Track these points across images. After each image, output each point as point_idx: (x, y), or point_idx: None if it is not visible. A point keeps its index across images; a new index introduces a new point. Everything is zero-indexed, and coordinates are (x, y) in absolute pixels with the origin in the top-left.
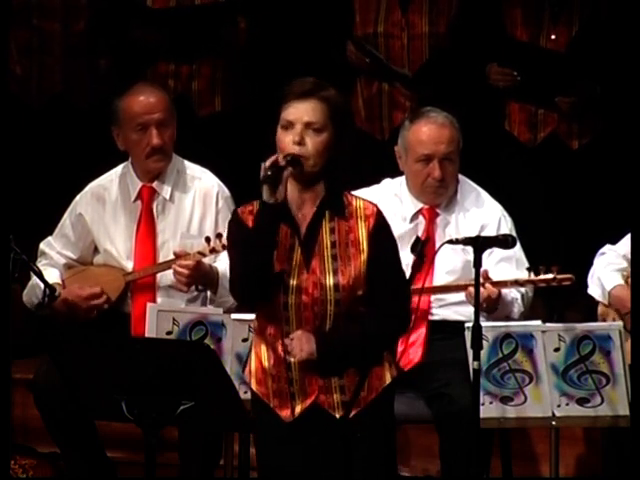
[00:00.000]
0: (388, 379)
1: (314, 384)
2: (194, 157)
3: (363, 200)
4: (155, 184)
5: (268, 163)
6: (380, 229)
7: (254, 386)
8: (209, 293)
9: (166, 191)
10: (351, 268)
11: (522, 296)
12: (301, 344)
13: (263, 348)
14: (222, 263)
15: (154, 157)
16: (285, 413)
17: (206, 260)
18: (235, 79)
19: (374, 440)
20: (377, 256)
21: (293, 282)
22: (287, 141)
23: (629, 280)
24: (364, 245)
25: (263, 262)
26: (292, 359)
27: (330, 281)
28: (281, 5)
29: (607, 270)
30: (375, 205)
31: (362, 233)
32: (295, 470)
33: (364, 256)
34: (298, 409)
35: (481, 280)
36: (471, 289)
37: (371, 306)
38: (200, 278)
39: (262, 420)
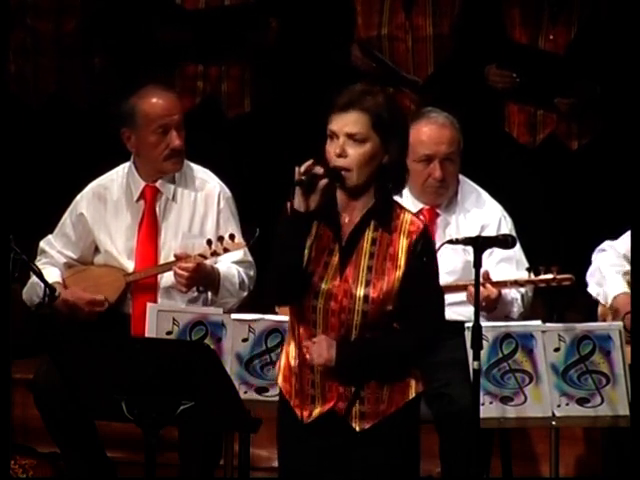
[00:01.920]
0: (412, 395)
1: (334, 390)
2: (221, 158)
3: (412, 215)
4: (158, 184)
5: (303, 168)
6: (420, 247)
7: (280, 382)
8: (210, 294)
9: (169, 191)
10: (384, 282)
11: (522, 296)
12: (320, 350)
13: (292, 346)
14: (223, 264)
15: (173, 159)
16: (303, 414)
17: (207, 261)
18: (263, 80)
19: (389, 454)
20: (413, 273)
21: (324, 287)
22: (331, 152)
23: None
24: (401, 261)
25: (290, 265)
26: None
27: (360, 292)
28: (295, 6)
29: (612, 271)
30: (422, 222)
31: (402, 249)
32: (310, 470)
33: (399, 272)
34: (316, 412)
35: (481, 280)
36: (472, 289)
37: (402, 321)
38: (201, 280)
39: (283, 417)
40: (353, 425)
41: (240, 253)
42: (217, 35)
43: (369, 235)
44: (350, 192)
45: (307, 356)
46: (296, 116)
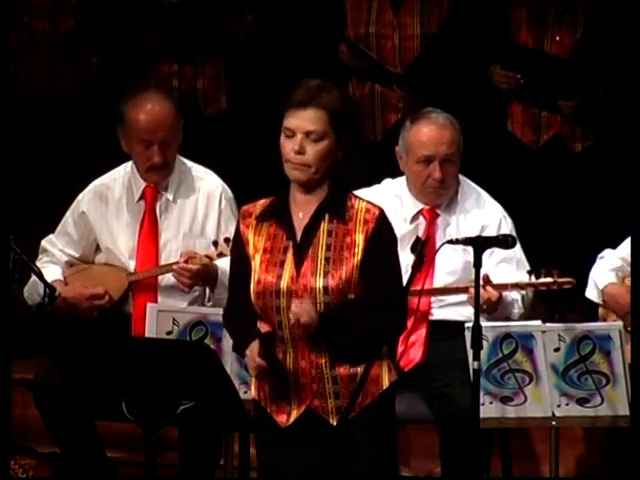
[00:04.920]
0: (386, 384)
1: (308, 390)
2: (201, 156)
3: (367, 203)
4: (158, 185)
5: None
6: (379, 233)
7: (253, 392)
8: (207, 292)
9: (169, 192)
10: (342, 271)
11: (522, 297)
12: (307, 309)
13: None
14: (221, 263)
15: (154, 172)
16: (281, 418)
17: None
18: (239, 76)
19: (370, 444)
20: (373, 260)
21: (283, 285)
22: (288, 148)
23: (626, 280)
24: (359, 249)
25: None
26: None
27: (320, 284)
28: (278, 3)
29: (602, 270)
30: (378, 208)
31: (359, 237)
32: (293, 473)
33: (357, 259)
34: (294, 414)
35: (482, 283)
36: (472, 291)
37: (368, 307)
38: (203, 279)
39: (261, 423)
40: (330, 421)
41: None
42: (193, 28)
43: (324, 227)
44: (306, 188)
45: (291, 317)
46: (273, 112)
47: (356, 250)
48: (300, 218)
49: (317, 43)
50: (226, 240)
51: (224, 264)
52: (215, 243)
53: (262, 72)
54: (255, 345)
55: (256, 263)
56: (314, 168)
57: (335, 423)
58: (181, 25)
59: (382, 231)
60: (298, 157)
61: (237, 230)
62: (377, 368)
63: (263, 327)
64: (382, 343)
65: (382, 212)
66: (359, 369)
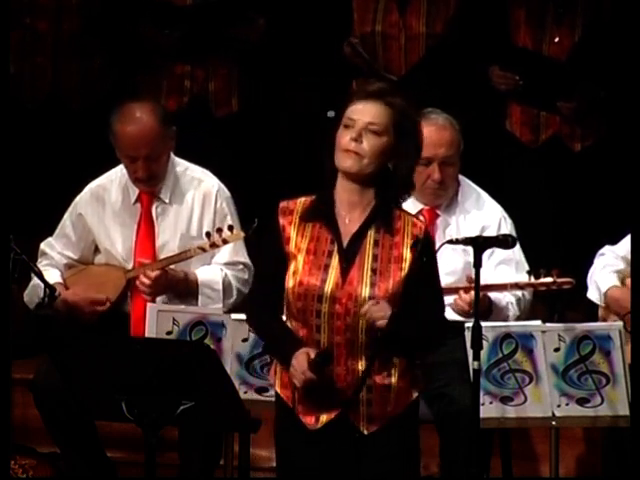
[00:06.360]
0: (414, 395)
1: (342, 396)
2: (211, 157)
3: (412, 217)
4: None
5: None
6: (425, 249)
7: (278, 389)
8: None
9: (165, 194)
10: (388, 284)
11: (518, 300)
12: (384, 309)
13: None
14: (208, 269)
15: (141, 184)
16: (309, 420)
17: (204, 258)
18: (250, 79)
19: (396, 454)
20: (419, 275)
21: (328, 290)
22: (345, 139)
23: (626, 280)
24: (406, 263)
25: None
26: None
27: (366, 294)
28: (289, 6)
29: (604, 272)
30: (423, 223)
31: (406, 252)
32: (315, 475)
33: (403, 274)
34: (323, 418)
35: (467, 284)
36: (458, 301)
37: (407, 321)
38: (167, 288)
39: (284, 424)
40: (361, 428)
41: (227, 254)
42: (204, 30)
43: (371, 236)
44: (355, 182)
45: (366, 314)
46: (284, 115)
47: (404, 265)
48: (347, 223)
49: (326, 45)
50: (218, 230)
51: (209, 275)
52: (208, 234)
53: (273, 75)
54: (302, 356)
55: (298, 264)
56: (367, 160)
57: (366, 431)
58: (192, 27)
59: (428, 246)
60: (354, 144)
61: (275, 226)
62: (407, 379)
63: (294, 328)
64: (424, 351)
65: (427, 227)
66: (393, 379)
